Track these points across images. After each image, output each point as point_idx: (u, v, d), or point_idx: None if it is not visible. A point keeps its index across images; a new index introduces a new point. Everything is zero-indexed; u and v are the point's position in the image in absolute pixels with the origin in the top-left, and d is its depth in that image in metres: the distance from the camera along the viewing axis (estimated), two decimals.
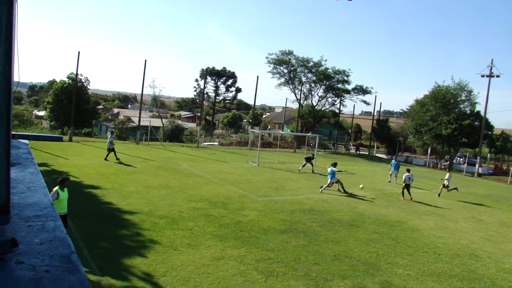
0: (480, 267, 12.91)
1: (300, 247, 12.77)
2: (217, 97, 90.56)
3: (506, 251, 15.03)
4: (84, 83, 56.81)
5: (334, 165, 23.89)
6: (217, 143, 54.09)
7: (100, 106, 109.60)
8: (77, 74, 44.29)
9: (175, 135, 53.11)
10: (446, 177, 25.92)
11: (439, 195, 25.76)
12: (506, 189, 35.50)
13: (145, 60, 41.70)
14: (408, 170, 23.76)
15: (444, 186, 25.75)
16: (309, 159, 31.59)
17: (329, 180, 23.08)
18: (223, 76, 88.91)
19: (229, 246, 12.11)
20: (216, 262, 10.72)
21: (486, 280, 11.77)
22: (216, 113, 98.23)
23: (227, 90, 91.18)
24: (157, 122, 56.66)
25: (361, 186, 24.73)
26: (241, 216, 15.70)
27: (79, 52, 38.31)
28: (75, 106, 41.01)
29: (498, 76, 46.87)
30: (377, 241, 14.36)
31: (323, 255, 12.25)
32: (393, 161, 30.73)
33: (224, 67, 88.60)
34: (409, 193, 23.24)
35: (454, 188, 26.14)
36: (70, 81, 52.03)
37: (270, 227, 14.66)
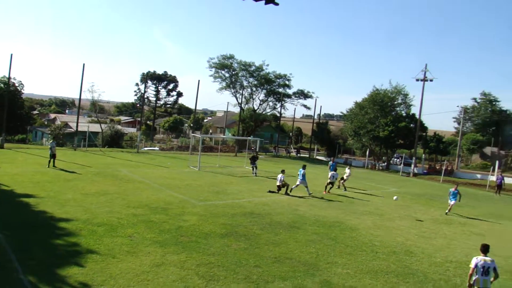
0: (414, 262, 13.42)
1: (241, 250, 12.81)
2: (158, 102, 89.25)
3: (438, 246, 15.70)
4: (18, 87, 54.37)
5: (304, 167, 24.92)
6: (157, 148, 53.35)
7: (36, 112, 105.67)
8: (9, 78, 42.62)
9: (114, 140, 51.97)
10: (347, 173, 28.60)
11: (339, 186, 28.28)
12: (438, 187, 37.05)
13: (83, 64, 40.61)
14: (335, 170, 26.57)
15: (342, 178, 28.38)
16: (254, 159, 32.03)
17: (298, 181, 24.40)
18: (164, 80, 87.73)
19: (170, 251, 11.97)
20: (156, 269, 10.57)
21: (420, 274, 12.25)
22: (157, 118, 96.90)
23: (168, 94, 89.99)
24: (96, 128, 55.23)
25: (394, 198, 24.42)
26: (181, 221, 15.56)
27: (11, 55, 36.94)
28: (7, 111, 39.23)
29: (431, 80, 48.98)
30: (317, 242, 14.62)
31: (264, 257, 12.33)
32: (330, 162, 32.22)
33: (165, 71, 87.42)
34: (326, 187, 26.18)
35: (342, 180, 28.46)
36: (2, 85, 49.72)
37: (211, 231, 14.62)
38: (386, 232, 17.29)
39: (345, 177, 28.43)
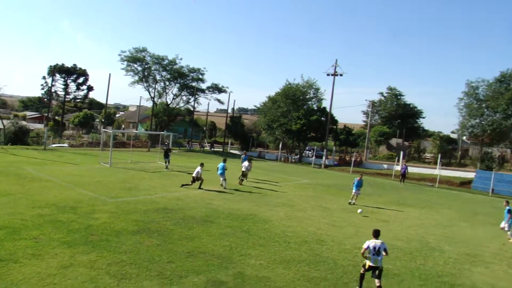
0: (325, 250, 13.96)
1: (154, 246, 12.64)
2: (67, 96, 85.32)
3: (347, 234, 16.42)
4: None
5: (225, 161, 25.69)
6: (67, 145, 51.21)
7: None
8: None
9: (19, 137, 49.04)
10: (246, 165, 27.97)
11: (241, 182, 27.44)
12: (349, 178, 38.55)
13: None
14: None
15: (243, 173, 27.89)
16: (166, 154, 31.82)
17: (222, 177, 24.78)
18: (74, 73, 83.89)
19: (79, 252, 11.55)
20: (64, 271, 10.16)
21: (330, 261, 12.77)
22: (66, 113, 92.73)
23: (78, 88, 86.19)
24: None
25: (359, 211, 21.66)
26: (91, 220, 15.06)
27: None
28: None
29: (341, 75, 50.93)
30: (231, 235, 14.74)
31: (177, 252, 12.26)
32: (242, 155, 32.77)
33: (74, 64, 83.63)
34: (241, 179, 27.05)
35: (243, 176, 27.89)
36: None
37: (122, 228, 14.28)
38: (298, 222, 17.78)
39: (243, 169, 27.86)
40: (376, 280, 10.44)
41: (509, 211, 18.02)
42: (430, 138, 78.39)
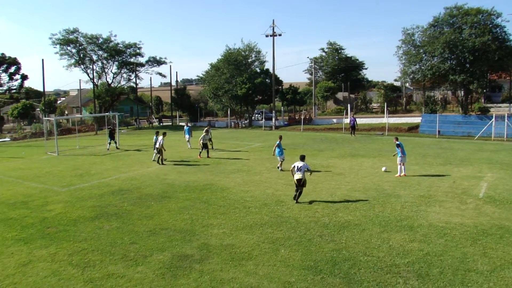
0: (286, 210, 14.13)
1: (114, 230, 12.44)
2: (0, 88, 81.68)
3: (305, 191, 16.42)
4: None
5: (157, 133, 25.46)
6: (8, 139, 49.14)
7: None
8: None
9: None
10: (159, 140, 24.15)
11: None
12: (300, 136, 39.11)
13: None
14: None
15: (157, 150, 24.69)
16: (111, 135, 31.13)
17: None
18: (3, 63, 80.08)
19: (36, 247, 11.23)
20: (23, 269, 9.85)
21: (292, 220, 12.94)
22: (3, 106, 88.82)
23: (10, 78, 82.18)
24: None
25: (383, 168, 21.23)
26: (46, 212, 14.63)
27: None
28: None
29: (280, 35, 50.70)
30: (190, 208, 14.69)
31: (138, 232, 12.12)
32: (185, 127, 32.74)
33: (3, 53, 79.72)
34: (205, 151, 25.94)
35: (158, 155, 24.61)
36: None
37: (79, 216, 13.97)
38: (255, 186, 17.89)
39: (201, 141, 26.14)
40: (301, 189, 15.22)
41: (397, 145, 19.83)
42: (374, 89, 79.59)
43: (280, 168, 21.64)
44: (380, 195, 15.94)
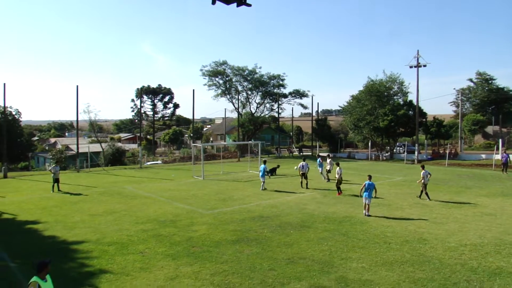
0: (429, 249, 13.36)
1: (254, 255, 12.77)
2: (155, 115, 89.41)
3: (450, 231, 15.62)
4: (15, 116, 54.50)
5: (264, 162, 27.39)
6: (160, 162, 53.30)
7: (36, 138, 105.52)
8: (5, 107, 42.69)
9: (116, 158, 51.93)
10: (328, 162, 30.82)
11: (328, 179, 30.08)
12: (444, 171, 36.96)
13: (77, 86, 40.60)
14: (337, 164, 26.02)
15: (327, 171, 30.57)
16: (273, 170, 33.04)
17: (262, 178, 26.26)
18: (159, 93, 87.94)
19: (182, 263, 11.94)
20: (171, 282, 10.54)
21: (435, 261, 12.19)
22: (157, 131, 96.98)
23: (164, 107, 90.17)
24: (96, 147, 55.27)
25: None
26: (191, 232, 15.53)
27: (4, 84, 36.82)
28: (7, 140, 39.21)
29: (425, 66, 48.71)
30: (329, 239, 14.57)
31: (277, 259, 12.30)
32: (318, 159, 33.45)
33: (159, 84, 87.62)
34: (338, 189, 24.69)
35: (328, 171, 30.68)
36: None
37: (221, 239, 14.58)
38: (397, 222, 17.23)
39: (328, 168, 30.58)
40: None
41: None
42: None
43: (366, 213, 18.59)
44: None
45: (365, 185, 18.72)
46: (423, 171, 22.73)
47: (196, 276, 10.94)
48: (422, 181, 22.61)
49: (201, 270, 11.42)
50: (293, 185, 27.60)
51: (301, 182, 26.87)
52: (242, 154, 54.08)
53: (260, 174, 26.14)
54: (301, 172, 26.84)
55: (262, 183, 26.00)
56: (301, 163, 27.04)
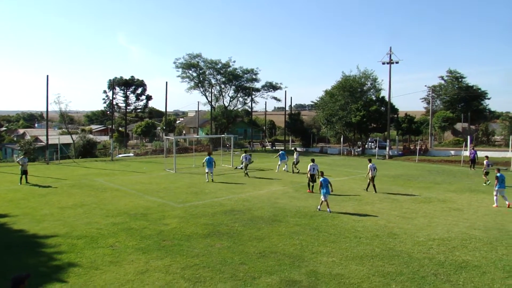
0: (398, 244, 13.58)
1: (225, 249, 12.78)
2: (128, 107, 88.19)
3: (419, 225, 15.91)
4: None
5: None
6: (132, 154, 52.74)
7: (3, 128, 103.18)
8: None
9: (87, 150, 51.15)
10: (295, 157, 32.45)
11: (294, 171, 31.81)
12: (415, 167, 37.59)
13: (47, 76, 39.86)
14: (312, 160, 24.39)
15: (293, 164, 32.05)
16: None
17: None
18: (132, 85, 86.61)
19: (153, 257, 11.87)
20: (141, 276, 10.47)
21: (404, 255, 12.40)
22: (129, 123, 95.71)
23: (137, 99, 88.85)
24: (67, 139, 54.20)
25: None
26: (162, 226, 15.45)
27: None
28: None
29: (397, 62, 49.18)
30: (300, 233, 14.67)
31: (248, 253, 12.33)
32: (280, 152, 34.24)
33: (132, 76, 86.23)
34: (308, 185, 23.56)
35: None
36: None
37: (193, 232, 14.55)
38: (367, 217, 17.45)
39: (294, 162, 32.10)
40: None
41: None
42: (498, 120, 74.75)
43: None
44: (503, 236, 14.69)
45: (321, 183, 18.45)
46: (370, 164, 23.72)
47: (166, 270, 10.89)
48: (369, 174, 23.54)
49: (172, 264, 11.38)
50: (266, 180, 27.67)
51: (308, 184, 23.53)
52: (214, 147, 53.97)
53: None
54: (309, 174, 23.37)
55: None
56: (309, 164, 23.66)
